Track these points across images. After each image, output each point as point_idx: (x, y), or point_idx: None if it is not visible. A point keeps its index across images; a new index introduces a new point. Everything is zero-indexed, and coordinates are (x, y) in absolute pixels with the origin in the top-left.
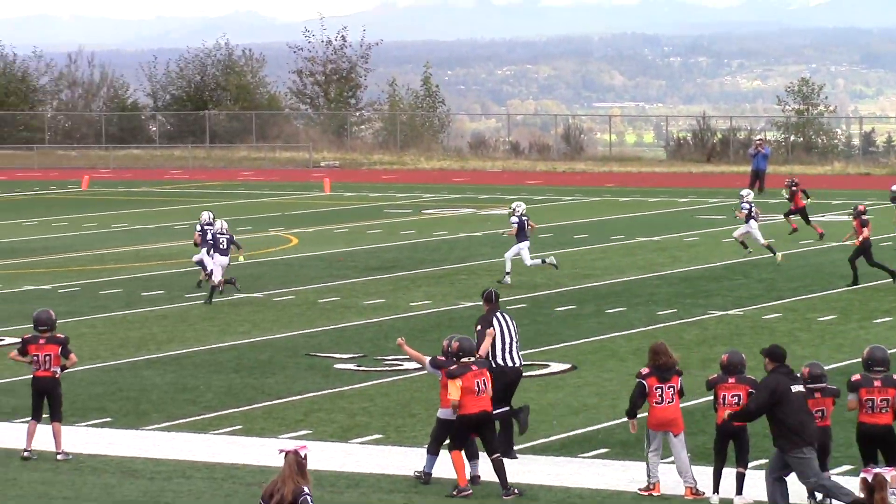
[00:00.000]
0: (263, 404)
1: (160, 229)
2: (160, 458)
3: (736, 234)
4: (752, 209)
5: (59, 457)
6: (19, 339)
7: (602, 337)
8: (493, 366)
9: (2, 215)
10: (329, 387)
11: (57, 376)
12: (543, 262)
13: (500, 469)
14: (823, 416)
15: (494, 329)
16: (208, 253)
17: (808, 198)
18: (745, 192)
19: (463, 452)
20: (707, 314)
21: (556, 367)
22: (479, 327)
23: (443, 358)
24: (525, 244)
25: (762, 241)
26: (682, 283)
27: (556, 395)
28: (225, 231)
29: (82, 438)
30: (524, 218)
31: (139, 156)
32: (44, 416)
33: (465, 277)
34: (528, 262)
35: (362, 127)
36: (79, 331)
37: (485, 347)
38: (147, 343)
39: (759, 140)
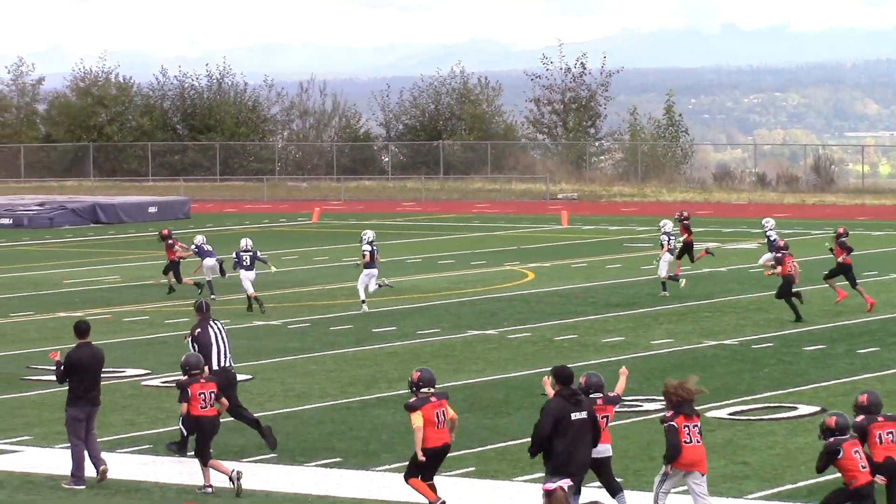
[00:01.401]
0: (497, 445)
1: (392, 263)
2: (391, 500)
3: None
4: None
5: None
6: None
7: (854, 378)
8: (211, 370)
9: (232, 248)
10: None
11: (219, 414)
12: (380, 286)
13: None
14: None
15: (210, 337)
16: (234, 268)
17: (690, 233)
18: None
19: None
20: None
21: (804, 409)
22: (192, 335)
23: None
24: (374, 271)
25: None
26: None
27: (805, 440)
28: (249, 248)
29: (311, 479)
30: (374, 247)
31: (371, 187)
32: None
33: (708, 315)
34: (372, 288)
35: (601, 157)
36: (308, 368)
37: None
38: (378, 381)
39: None
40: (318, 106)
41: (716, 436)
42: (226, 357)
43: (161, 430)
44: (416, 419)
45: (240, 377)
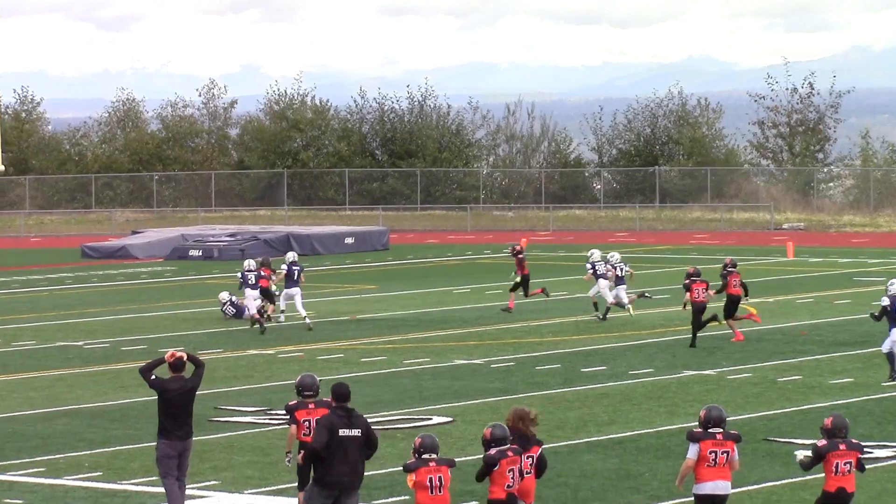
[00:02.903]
0: None
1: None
2: None
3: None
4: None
5: None
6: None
7: None
8: None
9: (433, 282)
10: (789, 476)
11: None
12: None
13: None
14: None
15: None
16: (240, 288)
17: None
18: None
19: None
20: None
21: None
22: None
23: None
24: (297, 290)
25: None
26: None
27: None
28: (253, 268)
29: None
30: (295, 267)
31: (581, 216)
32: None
33: None
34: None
35: (830, 184)
36: None
37: None
38: (587, 424)
39: None
40: (525, 129)
41: None
42: None
43: None
44: (409, 484)
45: (438, 420)
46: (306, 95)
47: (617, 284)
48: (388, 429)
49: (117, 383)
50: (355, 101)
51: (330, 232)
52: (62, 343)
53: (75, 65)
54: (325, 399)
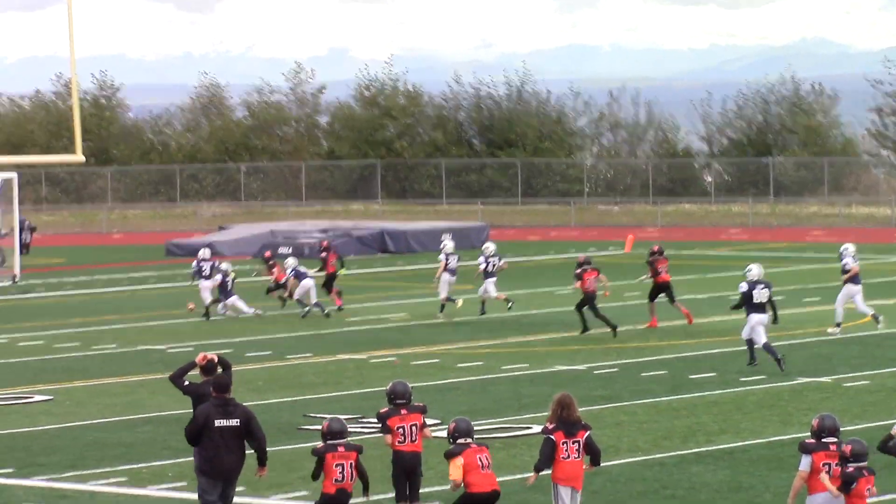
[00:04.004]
0: None
1: (713, 300)
2: None
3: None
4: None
5: None
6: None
7: None
8: None
9: (534, 282)
10: None
11: (421, 451)
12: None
13: None
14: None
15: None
16: (193, 278)
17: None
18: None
19: None
20: None
21: None
22: None
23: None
24: (234, 298)
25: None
26: None
27: None
28: (208, 258)
29: None
30: (227, 277)
31: (691, 211)
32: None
33: None
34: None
35: None
36: (617, 418)
37: None
38: (696, 434)
39: None
40: (630, 117)
41: None
42: None
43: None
44: (455, 471)
45: (538, 429)
46: (397, 80)
47: (486, 278)
48: (484, 438)
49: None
50: (449, 87)
51: (426, 228)
52: (144, 347)
53: (155, 48)
54: (417, 404)
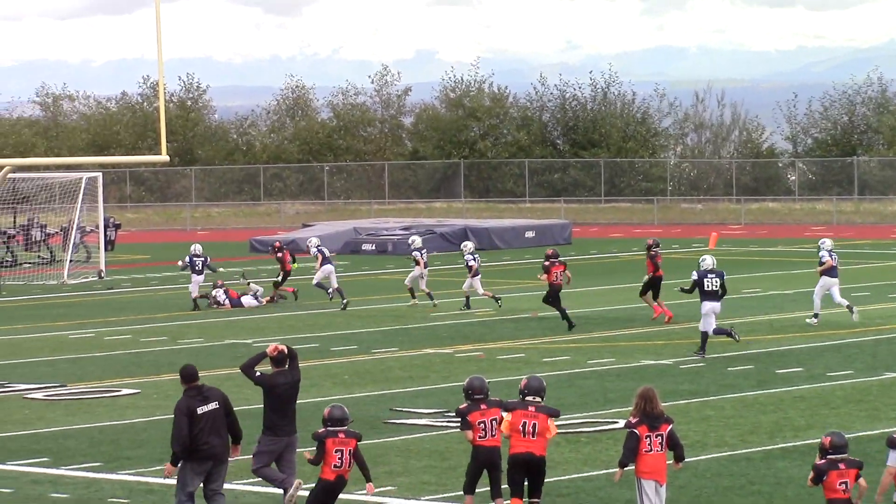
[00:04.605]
0: None
1: (798, 296)
2: None
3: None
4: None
5: None
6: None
7: None
8: None
9: (618, 278)
10: None
11: (500, 445)
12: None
13: None
14: (846, 489)
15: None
16: (184, 269)
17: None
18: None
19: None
20: None
21: None
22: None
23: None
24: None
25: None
26: None
27: None
28: (200, 254)
29: None
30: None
31: (775, 209)
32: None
33: None
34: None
35: None
36: (703, 413)
37: None
38: (782, 429)
39: None
40: (715, 117)
41: None
42: None
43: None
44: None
45: (623, 422)
46: (483, 82)
47: (471, 275)
48: (570, 433)
49: None
50: (535, 88)
51: (509, 225)
52: (230, 341)
53: (243, 51)
54: (494, 399)
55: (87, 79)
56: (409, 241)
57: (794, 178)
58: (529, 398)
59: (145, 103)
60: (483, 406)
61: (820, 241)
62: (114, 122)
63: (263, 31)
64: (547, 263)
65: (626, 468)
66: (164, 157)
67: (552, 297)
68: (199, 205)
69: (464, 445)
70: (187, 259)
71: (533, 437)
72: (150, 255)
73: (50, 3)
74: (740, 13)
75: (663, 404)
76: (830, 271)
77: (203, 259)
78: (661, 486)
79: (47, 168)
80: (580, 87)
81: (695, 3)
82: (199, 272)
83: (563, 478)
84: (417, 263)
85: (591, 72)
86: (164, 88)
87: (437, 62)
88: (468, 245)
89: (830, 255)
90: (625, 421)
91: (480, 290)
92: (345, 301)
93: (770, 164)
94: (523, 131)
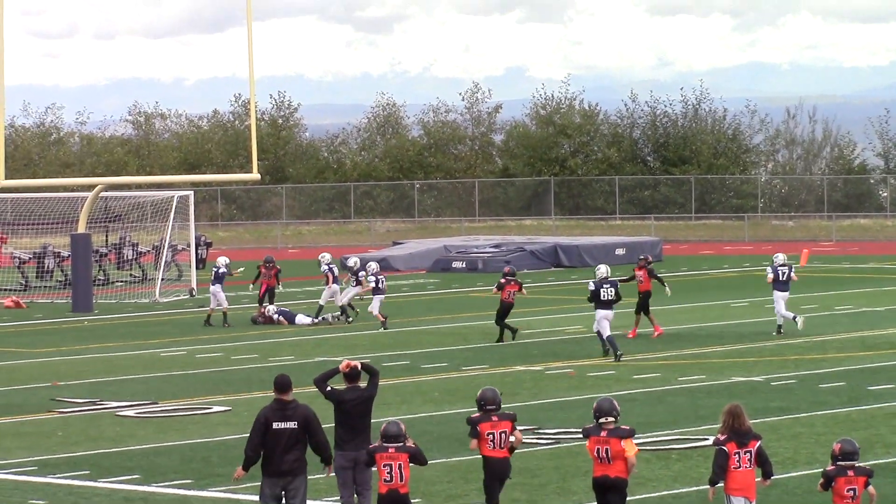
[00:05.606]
0: None
1: (890, 312)
2: None
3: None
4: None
5: None
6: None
7: None
8: None
9: (709, 295)
10: None
11: (509, 456)
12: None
13: None
14: (855, 497)
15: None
16: (213, 284)
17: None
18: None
19: None
20: None
21: None
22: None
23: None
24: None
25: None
26: None
27: None
28: (223, 266)
29: None
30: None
31: (867, 226)
32: None
33: None
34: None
35: None
36: (794, 430)
37: None
38: (874, 445)
39: None
40: (806, 134)
41: None
42: None
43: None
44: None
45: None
46: (574, 99)
47: (374, 294)
48: (661, 450)
49: (378, 400)
50: (625, 105)
51: (600, 242)
52: (321, 358)
53: (334, 68)
54: (507, 412)
55: (179, 97)
56: (366, 267)
57: (885, 194)
58: (602, 420)
59: (237, 121)
60: (494, 417)
61: (774, 256)
62: (205, 140)
63: (354, 48)
64: (503, 281)
65: (716, 486)
66: (256, 176)
67: (501, 314)
68: (289, 222)
69: (555, 462)
70: (214, 270)
71: (609, 462)
72: (241, 273)
73: (142, 22)
74: (832, 29)
75: (753, 421)
76: (783, 285)
77: (223, 269)
78: (750, 502)
79: (139, 187)
80: (671, 104)
81: (787, 20)
82: (219, 281)
83: (652, 494)
84: (359, 283)
85: (681, 88)
86: (256, 106)
87: (528, 79)
88: (372, 265)
89: (773, 271)
90: (713, 438)
91: (376, 311)
92: (349, 319)
93: (862, 181)
94: (614, 148)
